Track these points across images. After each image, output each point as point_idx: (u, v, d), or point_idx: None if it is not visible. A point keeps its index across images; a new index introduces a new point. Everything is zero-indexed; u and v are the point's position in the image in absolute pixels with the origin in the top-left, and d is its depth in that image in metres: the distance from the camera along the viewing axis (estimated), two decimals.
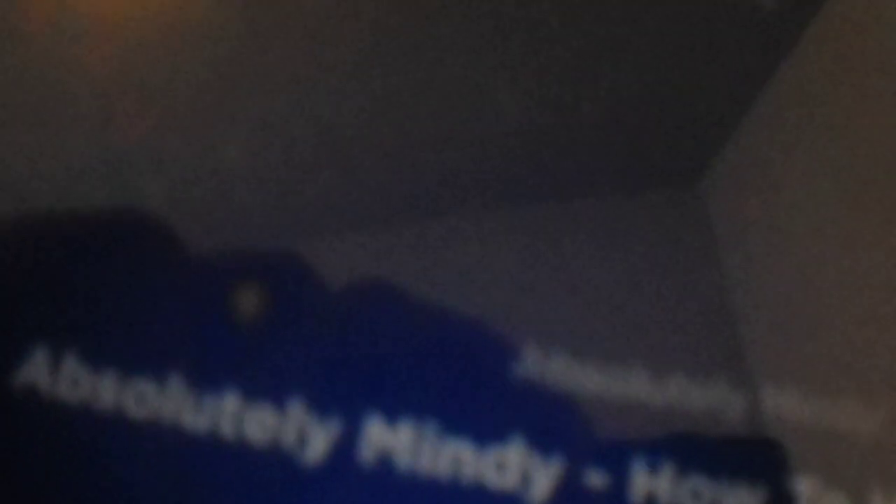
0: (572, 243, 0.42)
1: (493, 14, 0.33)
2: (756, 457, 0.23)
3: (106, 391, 0.22)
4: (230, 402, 0.22)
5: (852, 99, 0.46)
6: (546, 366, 0.23)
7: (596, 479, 0.22)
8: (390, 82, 0.32)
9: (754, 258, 0.52)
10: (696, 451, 0.23)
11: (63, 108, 0.26)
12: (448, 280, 0.33)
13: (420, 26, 0.31)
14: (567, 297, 0.40)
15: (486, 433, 0.22)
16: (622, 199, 0.45)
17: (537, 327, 0.25)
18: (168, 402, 0.22)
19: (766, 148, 0.49)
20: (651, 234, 0.48)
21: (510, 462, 0.22)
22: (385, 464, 0.22)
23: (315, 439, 0.22)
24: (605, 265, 0.47)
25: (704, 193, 0.49)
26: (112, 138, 0.26)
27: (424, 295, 0.23)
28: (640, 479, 0.23)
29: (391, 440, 0.22)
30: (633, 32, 0.38)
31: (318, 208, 0.29)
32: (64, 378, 0.22)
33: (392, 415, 0.22)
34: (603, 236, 0.48)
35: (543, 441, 0.22)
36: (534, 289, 0.39)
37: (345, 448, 0.22)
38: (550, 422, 0.23)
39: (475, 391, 0.23)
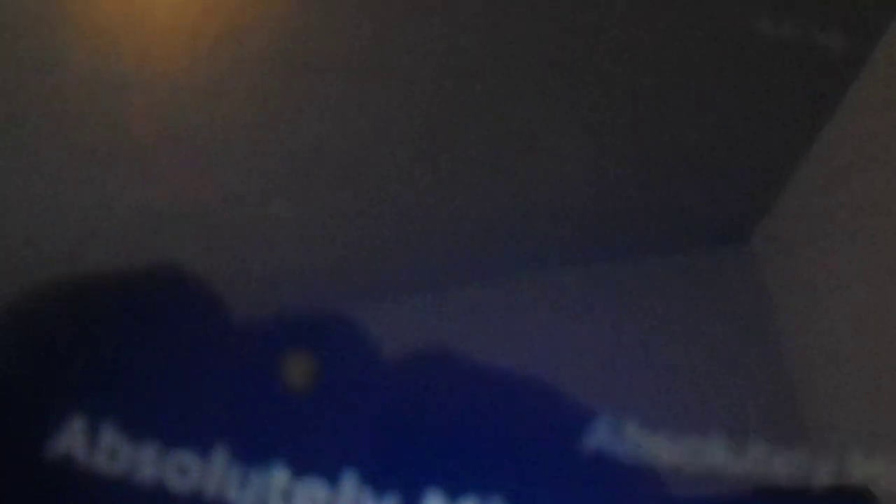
0: (626, 304, 0.41)
1: (547, 75, 0.32)
2: None
3: (146, 463, 0.20)
4: (279, 476, 0.21)
5: None
6: (614, 435, 0.22)
7: None
8: (446, 146, 0.31)
9: (810, 313, 0.51)
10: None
11: (105, 165, 0.25)
12: (502, 344, 0.31)
13: (479, 88, 0.30)
14: (624, 361, 0.38)
15: None
16: (674, 257, 0.43)
17: (594, 392, 0.23)
18: (212, 475, 0.20)
19: (819, 200, 0.47)
20: (705, 292, 0.46)
21: None
22: None
23: None
24: (661, 324, 0.46)
25: (758, 249, 0.47)
26: (154, 195, 0.25)
27: (484, 361, 0.22)
28: None
29: None
30: (683, 88, 0.37)
31: (369, 269, 0.27)
32: (102, 449, 0.20)
33: (453, 489, 0.21)
34: (657, 295, 0.47)
35: None
36: (588, 352, 0.38)
37: None
38: (622, 494, 0.21)
39: (542, 463, 0.21)
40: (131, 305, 0.22)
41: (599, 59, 0.33)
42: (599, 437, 0.21)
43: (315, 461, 0.20)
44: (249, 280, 0.25)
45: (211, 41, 0.26)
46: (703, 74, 0.37)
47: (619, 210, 0.37)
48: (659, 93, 0.36)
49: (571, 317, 0.39)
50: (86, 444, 0.20)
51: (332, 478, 0.20)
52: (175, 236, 0.25)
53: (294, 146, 0.28)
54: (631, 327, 0.43)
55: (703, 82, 0.38)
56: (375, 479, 0.20)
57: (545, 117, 0.32)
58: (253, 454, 0.20)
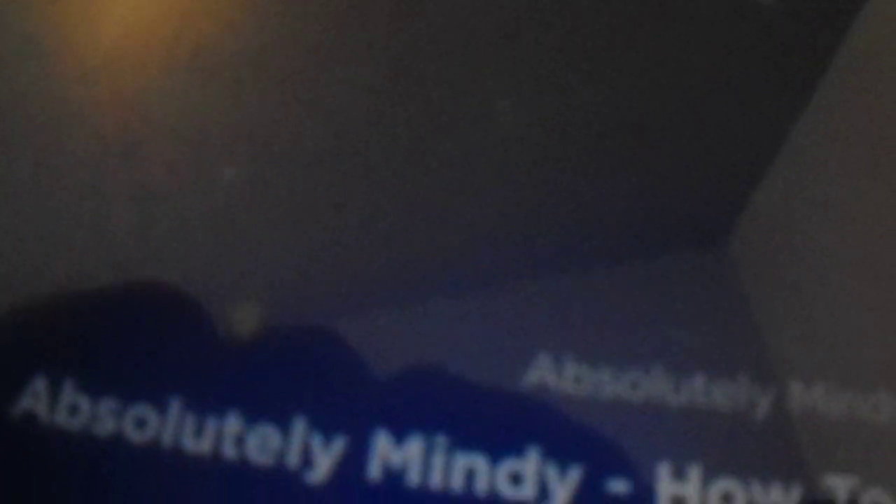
0: (598, 314, 0.41)
1: (521, 81, 0.33)
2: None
3: (105, 418, 0.21)
4: (232, 424, 0.21)
5: (886, 141, 0.45)
6: (560, 372, 0.23)
7: (618, 487, 0.21)
8: (426, 159, 0.32)
9: (789, 320, 0.51)
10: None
11: (81, 171, 0.26)
12: (468, 352, 0.32)
13: (459, 97, 0.31)
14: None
15: (499, 445, 0.21)
16: (643, 264, 0.44)
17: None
18: (168, 425, 0.21)
19: (798, 199, 0.48)
20: (677, 300, 0.46)
21: (526, 473, 0.21)
22: (394, 481, 0.21)
23: (320, 458, 0.21)
24: (635, 335, 0.46)
25: (733, 253, 0.47)
26: (130, 202, 0.26)
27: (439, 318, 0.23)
28: (665, 486, 0.21)
29: (399, 456, 0.21)
30: (650, 85, 0.38)
31: (349, 278, 0.28)
32: (63, 406, 0.21)
33: (400, 429, 0.21)
34: (631, 304, 0.47)
35: (560, 450, 0.21)
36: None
37: (351, 466, 0.21)
38: (566, 429, 0.22)
39: (487, 401, 0.22)
40: (97, 294, 0.23)
41: (570, 64, 0.34)
42: (541, 373, 0.22)
43: (266, 408, 0.21)
44: (230, 288, 0.26)
45: (189, 50, 0.27)
46: (676, 75, 0.38)
47: (589, 217, 0.38)
48: (630, 94, 0.37)
49: (544, 327, 0.39)
50: (47, 401, 0.21)
51: (283, 423, 0.21)
52: (153, 242, 0.26)
53: (277, 153, 0.29)
54: (603, 337, 0.43)
55: (676, 81, 0.38)
56: (323, 423, 0.21)
57: (520, 123, 0.33)
58: (207, 404, 0.21)
